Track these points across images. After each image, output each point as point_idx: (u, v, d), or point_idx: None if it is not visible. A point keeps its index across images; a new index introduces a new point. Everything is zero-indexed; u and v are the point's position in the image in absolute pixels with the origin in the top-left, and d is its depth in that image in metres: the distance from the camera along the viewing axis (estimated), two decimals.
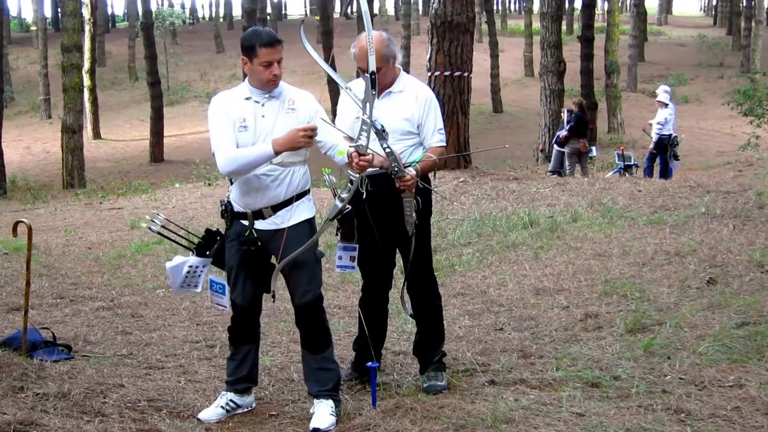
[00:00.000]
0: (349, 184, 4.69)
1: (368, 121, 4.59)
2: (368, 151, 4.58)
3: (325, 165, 5.28)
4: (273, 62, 4.68)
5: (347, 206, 4.81)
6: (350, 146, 4.62)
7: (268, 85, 4.75)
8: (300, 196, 4.83)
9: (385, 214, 5.08)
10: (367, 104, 4.62)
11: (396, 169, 4.83)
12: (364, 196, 4.88)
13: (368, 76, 4.63)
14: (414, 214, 5.02)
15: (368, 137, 4.58)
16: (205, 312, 7.42)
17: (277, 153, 4.59)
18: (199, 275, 5.02)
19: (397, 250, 5.36)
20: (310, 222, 4.90)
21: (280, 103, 4.78)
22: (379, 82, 4.99)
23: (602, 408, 4.56)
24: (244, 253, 4.79)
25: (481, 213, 11.06)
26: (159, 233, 5.29)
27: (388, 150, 4.77)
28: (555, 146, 18.13)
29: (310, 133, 4.57)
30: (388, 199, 5.00)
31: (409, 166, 4.98)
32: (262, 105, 4.76)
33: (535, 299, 7.36)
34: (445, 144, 5.27)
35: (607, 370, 5.20)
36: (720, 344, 5.44)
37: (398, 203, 5.00)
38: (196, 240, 5.08)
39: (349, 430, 4.60)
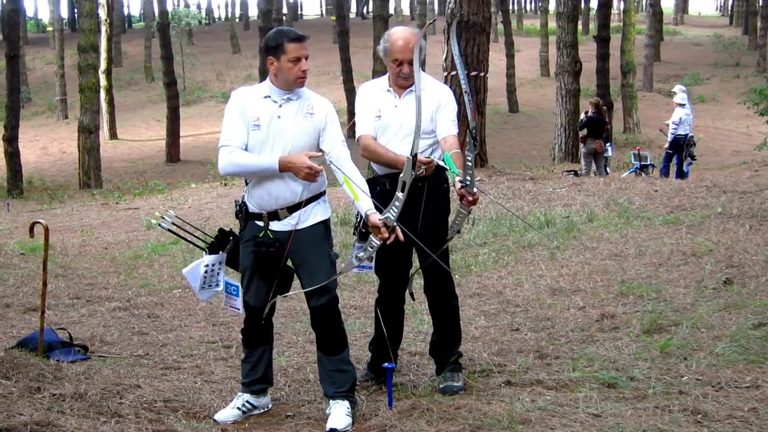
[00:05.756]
0: (369, 248, 4.71)
1: (401, 198, 4.56)
2: (395, 223, 4.55)
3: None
4: (301, 58, 4.67)
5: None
6: (380, 218, 4.57)
7: (297, 83, 4.73)
8: (316, 197, 4.83)
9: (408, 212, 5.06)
10: (405, 183, 4.58)
11: (468, 181, 4.83)
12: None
13: (410, 158, 4.59)
14: (462, 225, 5.03)
15: (397, 213, 4.56)
16: (221, 312, 7.43)
17: (280, 170, 4.59)
18: (218, 273, 5.00)
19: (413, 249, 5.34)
20: (325, 224, 4.88)
21: (298, 106, 4.76)
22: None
23: (618, 409, 4.55)
24: (260, 254, 4.78)
25: (497, 213, 11.04)
26: (170, 230, 5.30)
27: (469, 164, 4.81)
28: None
29: (315, 173, 4.57)
30: (413, 198, 4.98)
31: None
32: (280, 106, 4.73)
33: (551, 300, 7.35)
34: (457, 132, 5.25)
35: (624, 370, 5.18)
36: (737, 345, 5.41)
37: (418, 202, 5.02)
38: (209, 239, 5.08)
39: (366, 431, 4.60)
